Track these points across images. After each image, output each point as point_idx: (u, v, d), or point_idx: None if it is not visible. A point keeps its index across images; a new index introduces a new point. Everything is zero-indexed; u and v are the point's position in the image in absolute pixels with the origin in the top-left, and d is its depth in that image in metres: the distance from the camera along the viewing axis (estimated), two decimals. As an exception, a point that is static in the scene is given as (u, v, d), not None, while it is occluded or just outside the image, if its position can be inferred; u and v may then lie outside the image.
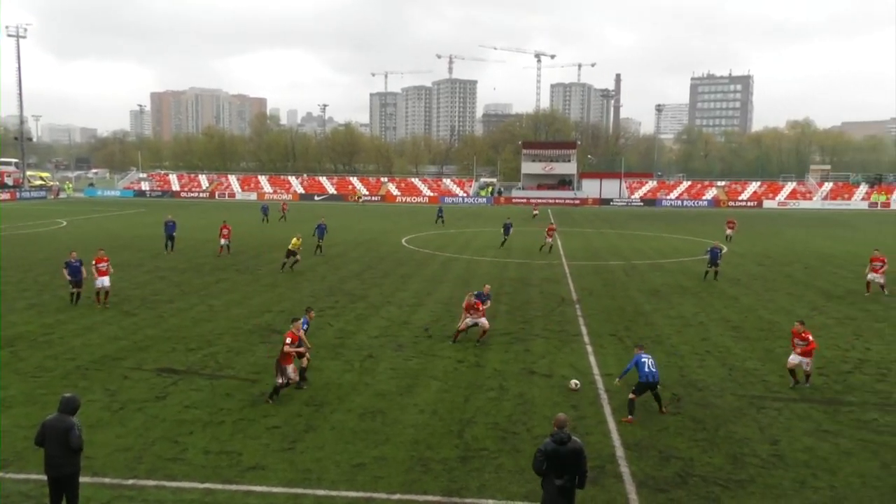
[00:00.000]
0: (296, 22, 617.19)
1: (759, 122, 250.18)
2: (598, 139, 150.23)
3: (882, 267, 27.08)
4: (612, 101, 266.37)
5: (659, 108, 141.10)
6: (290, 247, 32.61)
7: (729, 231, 48.15)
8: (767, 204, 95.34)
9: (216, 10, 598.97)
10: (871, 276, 27.36)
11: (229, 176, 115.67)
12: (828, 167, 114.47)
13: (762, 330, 21.77)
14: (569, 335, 20.93)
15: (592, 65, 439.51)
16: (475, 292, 20.72)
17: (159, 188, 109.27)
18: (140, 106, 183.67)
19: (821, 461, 12.08)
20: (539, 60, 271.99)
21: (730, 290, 28.82)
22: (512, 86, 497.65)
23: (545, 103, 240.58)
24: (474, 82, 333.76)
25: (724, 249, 32.52)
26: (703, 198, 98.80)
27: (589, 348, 19.45)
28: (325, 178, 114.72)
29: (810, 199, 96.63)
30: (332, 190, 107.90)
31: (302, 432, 13.09)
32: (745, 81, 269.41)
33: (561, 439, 8.92)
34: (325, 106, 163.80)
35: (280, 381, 14.50)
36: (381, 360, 18.07)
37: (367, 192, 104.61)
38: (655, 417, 14.11)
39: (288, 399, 14.85)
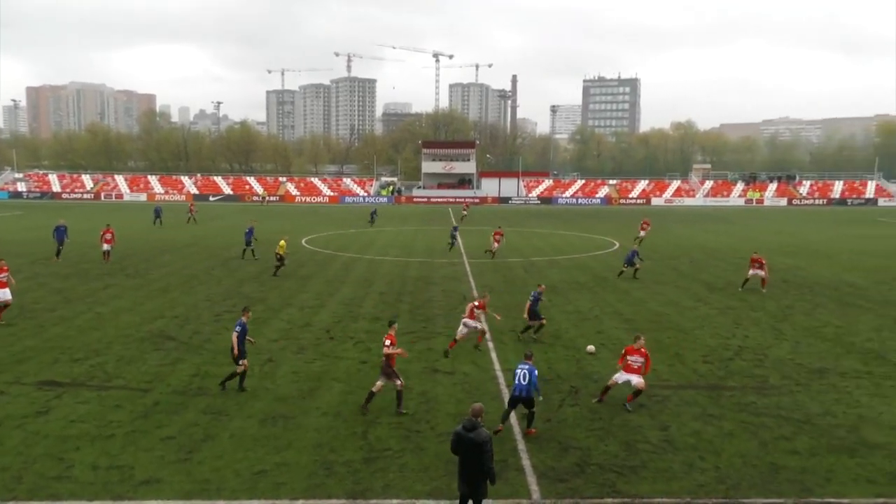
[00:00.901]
0: (180, 15, 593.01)
1: (646, 124, 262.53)
2: (496, 139, 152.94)
3: (761, 267, 28.45)
4: (509, 102, 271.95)
5: (554, 109, 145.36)
6: (277, 251, 31.78)
7: (642, 232, 47.50)
8: (655, 201, 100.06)
9: (94, 0, 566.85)
10: (752, 272, 28.54)
11: (116, 176, 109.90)
12: (708, 166, 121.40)
13: (652, 322, 22.81)
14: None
15: (489, 65, 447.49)
16: (533, 293, 20.68)
17: (38, 189, 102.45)
18: (14, 101, 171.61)
19: (707, 444, 12.80)
20: (437, 60, 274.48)
21: (622, 284, 30.04)
22: (411, 85, 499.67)
23: (444, 103, 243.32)
24: (373, 81, 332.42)
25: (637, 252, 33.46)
26: (597, 196, 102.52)
27: (490, 345, 19.76)
28: (220, 177, 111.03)
29: (694, 196, 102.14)
30: (227, 190, 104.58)
31: (199, 442, 12.62)
32: (633, 84, 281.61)
33: (468, 426, 9.30)
34: (219, 103, 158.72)
35: (399, 383, 14.29)
36: (282, 363, 17.69)
37: (265, 192, 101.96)
38: (554, 410, 14.51)
39: (182, 408, 14.28)
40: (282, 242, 32.34)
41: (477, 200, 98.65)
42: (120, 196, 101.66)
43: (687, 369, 17.51)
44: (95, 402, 14.58)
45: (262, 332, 20.75)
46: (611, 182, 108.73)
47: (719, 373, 17.20)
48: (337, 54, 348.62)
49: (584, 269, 34.65)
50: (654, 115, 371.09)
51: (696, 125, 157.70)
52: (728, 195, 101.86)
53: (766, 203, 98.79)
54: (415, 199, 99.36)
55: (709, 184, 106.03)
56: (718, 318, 23.32)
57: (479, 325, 19.30)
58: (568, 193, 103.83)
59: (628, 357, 14.71)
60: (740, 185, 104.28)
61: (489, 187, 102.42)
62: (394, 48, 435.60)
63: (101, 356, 18.06)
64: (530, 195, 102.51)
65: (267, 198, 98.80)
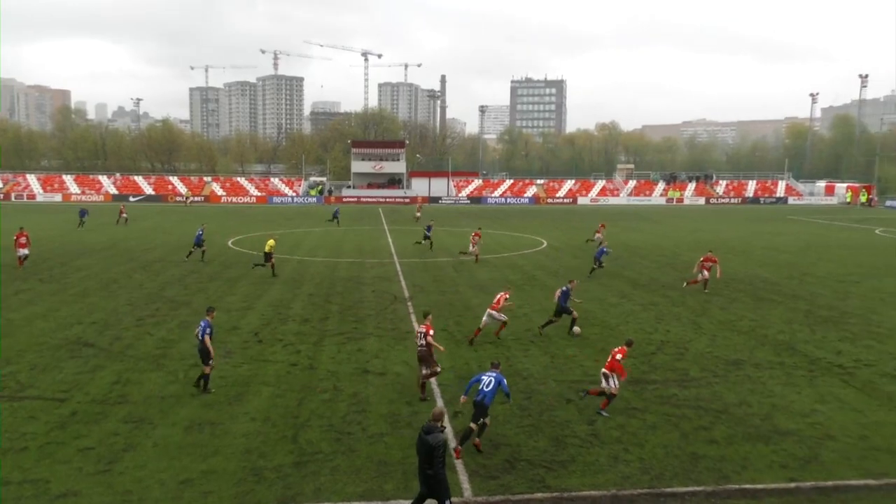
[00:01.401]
0: (94, 9, 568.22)
1: (572, 125, 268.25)
2: (425, 139, 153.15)
3: (711, 266, 28.55)
4: (439, 102, 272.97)
5: (482, 110, 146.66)
6: (266, 249, 31.55)
7: (598, 235, 45.17)
8: (581, 200, 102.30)
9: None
10: (702, 273, 28.38)
11: (28, 175, 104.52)
12: (632, 166, 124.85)
13: (579, 319, 23.27)
14: (402, 333, 21.17)
15: (419, 65, 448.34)
16: (563, 288, 21.26)
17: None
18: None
19: (631, 436, 13.19)
20: (366, 59, 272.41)
21: (549, 282, 30.58)
22: (340, 84, 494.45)
23: (373, 102, 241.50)
24: (301, 79, 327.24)
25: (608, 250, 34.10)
26: (525, 195, 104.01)
27: (421, 344, 19.77)
28: (140, 177, 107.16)
29: (618, 195, 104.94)
30: (149, 190, 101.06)
31: (120, 452, 12.17)
32: (559, 86, 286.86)
33: (426, 428, 9.58)
34: (138, 100, 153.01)
35: (438, 369, 15.55)
36: (208, 368, 17.21)
37: (188, 192, 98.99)
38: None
39: (102, 417, 13.74)
40: (270, 241, 32.29)
41: (408, 200, 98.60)
42: (32, 196, 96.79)
43: (612, 364, 17.96)
44: (7, 414, 13.86)
45: (187, 336, 20.15)
46: (539, 182, 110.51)
47: (643, 367, 17.74)
48: (263, 52, 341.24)
49: (514, 267, 35.11)
50: (580, 117, 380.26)
51: (620, 126, 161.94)
52: (650, 194, 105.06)
53: (686, 202, 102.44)
54: (344, 199, 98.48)
55: (632, 183, 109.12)
56: (642, 314, 24.04)
57: (503, 317, 20.21)
58: (497, 193, 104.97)
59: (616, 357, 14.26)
60: (662, 185, 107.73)
61: (419, 187, 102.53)
62: (321, 46, 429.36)
63: (13, 365, 17.17)
64: (460, 195, 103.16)
65: (191, 198, 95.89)
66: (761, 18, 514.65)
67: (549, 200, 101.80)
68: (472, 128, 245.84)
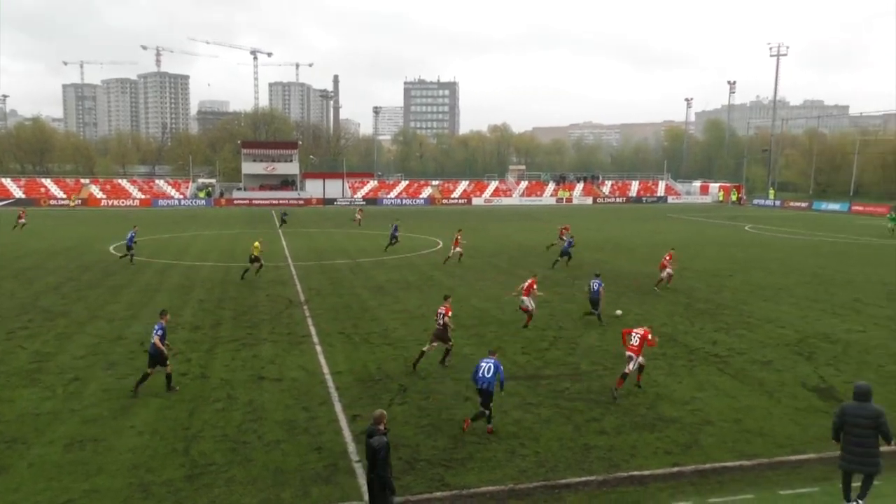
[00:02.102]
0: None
1: (465, 126, 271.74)
2: (319, 139, 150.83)
3: (671, 264, 29.52)
4: (332, 102, 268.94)
5: (376, 111, 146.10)
6: (252, 252, 31.44)
7: (563, 237, 44.33)
8: (476, 201, 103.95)
9: None
10: (667, 271, 29.41)
11: None
12: (523, 167, 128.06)
13: (475, 317, 23.69)
14: (298, 337, 20.79)
15: (310, 65, 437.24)
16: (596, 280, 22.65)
17: None
18: None
19: (527, 431, 13.54)
20: (255, 58, 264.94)
21: (447, 281, 30.91)
22: (228, 83, 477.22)
23: (264, 102, 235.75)
24: (186, 77, 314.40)
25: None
26: (421, 196, 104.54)
27: (318, 348, 19.51)
28: (9, 179, 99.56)
29: (511, 196, 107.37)
30: (19, 193, 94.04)
31: (-9, 476, 11.27)
32: (452, 88, 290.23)
33: (369, 431, 9.68)
34: (4, 97, 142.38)
35: (450, 343, 17.75)
36: (90, 382, 16.27)
37: (75, 196, 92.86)
38: (385, 409, 14.60)
39: (-30, 439, 12.68)
40: (256, 244, 32.16)
41: (302, 202, 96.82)
42: None
43: (508, 361, 18.35)
44: None
45: (65, 348, 18.95)
46: (434, 183, 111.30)
47: (537, 363, 18.25)
48: (144, 47, 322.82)
49: (411, 268, 35.23)
50: (473, 119, 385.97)
51: (511, 128, 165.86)
52: (541, 195, 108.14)
53: (575, 202, 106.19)
54: (235, 202, 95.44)
55: (524, 184, 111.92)
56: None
57: (531, 306, 21.95)
58: (393, 194, 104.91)
59: (631, 337, 15.68)
60: (552, 185, 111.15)
61: (313, 188, 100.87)
62: (207, 43, 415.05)
63: None
64: (355, 196, 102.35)
65: (76, 200, 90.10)
66: (637, 26, 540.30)
67: (445, 201, 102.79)
68: (366, 129, 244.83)
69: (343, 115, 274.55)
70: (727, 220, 69.94)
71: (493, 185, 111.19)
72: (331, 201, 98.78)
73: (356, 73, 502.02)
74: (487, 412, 13.34)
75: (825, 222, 66.09)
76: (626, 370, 15.60)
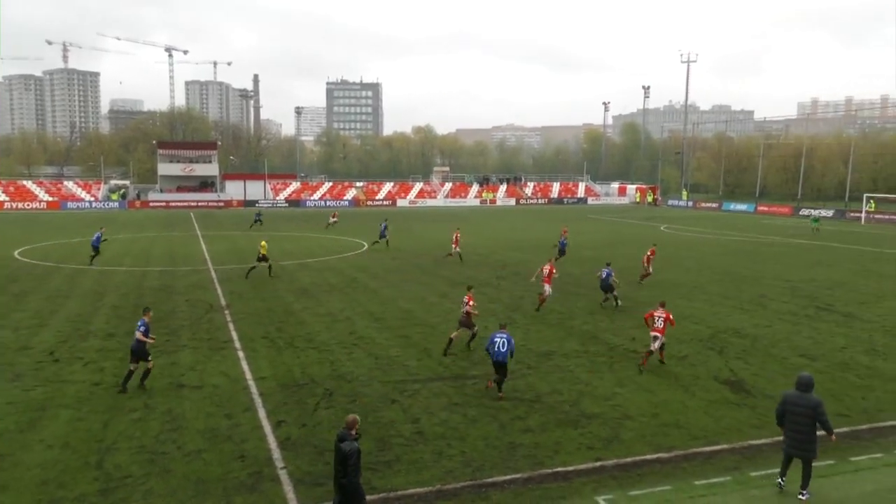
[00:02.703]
0: None
1: (389, 127, 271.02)
2: (239, 140, 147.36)
3: (650, 259, 31.86)
4: (252, 102, 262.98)
5: (298, 111, 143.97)
6: (261, 252, 32.25)
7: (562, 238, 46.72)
8: (400, 203, 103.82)
9: None
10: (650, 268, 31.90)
11: None
12: (447, 168, 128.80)
13: (401, 319, 23.66)
14: (219, 342, 20.23)
15: (229, 63, 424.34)
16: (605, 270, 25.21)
17: None
18: None
19: (454, 431, 13.61)
20: (171, 55, 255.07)
21: (371, 283, 30.73)
22: (142, 81, 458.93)
23: (181, 101, 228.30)
24: (96, 74, 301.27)
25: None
26: (345, 198, 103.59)
27: (241, 354, 19.05)
28: None
29: (435, 197, 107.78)
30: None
31: None
32: (375, 89, 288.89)
33: (340, 436, 9.50)
34: None
35: (476, 328, 19.75)
36: (-7, 395, 15.34)
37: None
38: (309, 414, 14.42)
39: None
40: (263, 243, 33.09)
41: (222, 204, 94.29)
42: None
43: (434, 362, 18.44)
44: None
45: (-36, 360, 17.82)
46: (358, 184, 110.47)
47: (463, 363, 18.38)
48: (50, 42, 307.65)
49: (334, 270, 34.85)
50: (397, 120, 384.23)
51: (435, 130, 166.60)
52: (466, 196, 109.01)
53: (499, 203, 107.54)
54: (151, 204, 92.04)
55: (448, 185, 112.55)
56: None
57: (549, 291, 24.73)
58: (316, 196, 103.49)
59: (655, 320, 17.77)
60: (476, 187, 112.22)
61: (234, 190, 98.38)
62: (118, 39, 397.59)
63: None
64: (278, 198, 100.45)
65: None
66: (551, 31, 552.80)
67: (369, 203, 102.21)
68: (288, 129, 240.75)
69: (264, 115, 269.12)
70: (644, 221, 72.30)
71: (418, 186, 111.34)
72: (252, 203, 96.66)
73: (277, 72, 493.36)
74: (503, 379, 15.50)
75: (734, 222, 69.24)
76: (652, 348, 17.76)
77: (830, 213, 77.44)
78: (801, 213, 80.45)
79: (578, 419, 14.27)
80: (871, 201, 70.46)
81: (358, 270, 34.83)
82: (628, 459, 12.37)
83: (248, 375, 17.10)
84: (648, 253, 32.27)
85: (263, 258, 32.09)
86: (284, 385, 16.32)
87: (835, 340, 20.87)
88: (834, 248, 46.61)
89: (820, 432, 10.91)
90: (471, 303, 19.50)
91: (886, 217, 68.94)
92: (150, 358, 16.05)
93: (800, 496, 10.87)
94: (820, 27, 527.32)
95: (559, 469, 11.95)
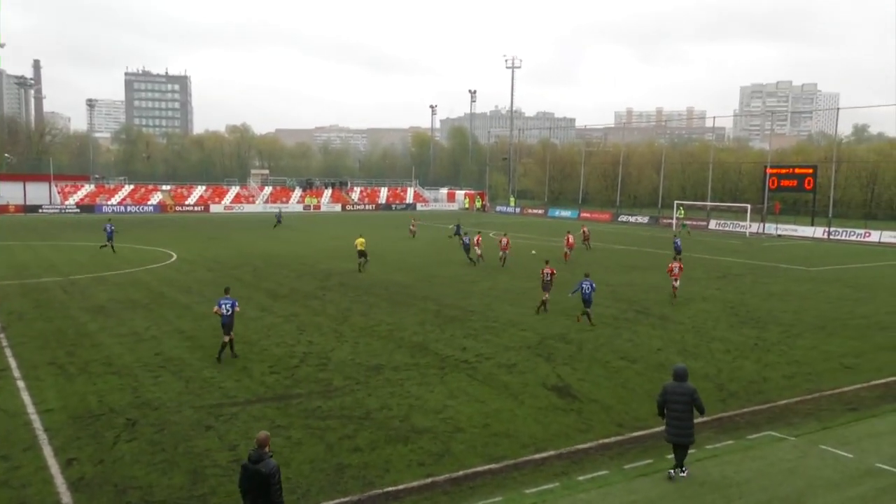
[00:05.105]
0: None
1: (200, 126, 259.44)
2: (17, 135, 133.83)
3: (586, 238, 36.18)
4: (32, 92, 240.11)
5: (91, 104, 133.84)
6: (358, 247, 37.69)
7: (585, 241, 50.56)
8: (215, 208, 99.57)
9: None
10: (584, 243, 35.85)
11: None
12: (267, 171, 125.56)
13: (216, 337, 22.56)
14: (-7, 372, 18.21)
15: (1, 45, 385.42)
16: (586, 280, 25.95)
17: None
18: None
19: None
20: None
21: (182, 298, 29.20)
22: None
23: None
24: None
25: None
26: (149, 203, 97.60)
27: (21, 383, 17.29)
28: None
29: (254, 202, 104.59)
30: None
31: None
32: (183, 82, 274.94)
33: (253, 457, 9.16)
34: None
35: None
36: None
37: None
38: (108, 449, 13.38)
39: None
40: (361, 240, 38.88)
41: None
42: None
43: (255, 382, 17.87)
44: None
45: None
46: (164, 188, 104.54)
47: (286, 382, 17.97)
48: None
49: (138, 285, 32.68)
50: (209, 118, 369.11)
51: (253, 129, 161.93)
52: (287, 201, 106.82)
53: (324, 209, 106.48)
54: None
55: (268, 189, 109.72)
56: (284, 326, 24.33)
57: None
58: (115, 200, 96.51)
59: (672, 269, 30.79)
60: (298, 191, 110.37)
61: (11, 193, 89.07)
62: None
63: None
64: (67, 202, 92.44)
65: None
66: (374, 32, 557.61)
67: (178, 208, 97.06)
68: (78, 124, 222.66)
69: (48, 107, 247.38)
70: (473, 227, 74.87)
71: (234, 190, 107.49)
72: (35, 208, 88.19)
73: (63, 59, 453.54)
74: (590, 311, 24.78)
75: (559, 228, 73.70)
76: (675, 287, 31.09)
77: (646, 219, 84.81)
78: (619, 219, 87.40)
79: (409, 435, 14.45)
80: (681, 208, 78.04)
81: (166, 284, 32.94)
82: (460, 473, 12.71)
83: (31, 408, 15.55)
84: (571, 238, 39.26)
85: (362, 253, 37.70)
86: (77, 417, 15.02)
87: (651, 343, 22.85)
88: (648, 252, 51.08)
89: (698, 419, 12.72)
90: (553, 273, 27.54)
91: (693, 223, 76.66)
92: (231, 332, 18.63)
93: (681, 474, 12.40)
94: (618, 41, 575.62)
95: (390, 489, 12.02)
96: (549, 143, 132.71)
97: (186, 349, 21.01)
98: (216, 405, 16.04)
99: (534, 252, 41.87)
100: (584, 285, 24.98)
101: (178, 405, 16.00)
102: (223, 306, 19.71)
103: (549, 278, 27.77)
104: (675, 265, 31.70)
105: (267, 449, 9.42)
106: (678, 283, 31.53)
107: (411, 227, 63.19)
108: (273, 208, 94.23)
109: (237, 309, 20.13)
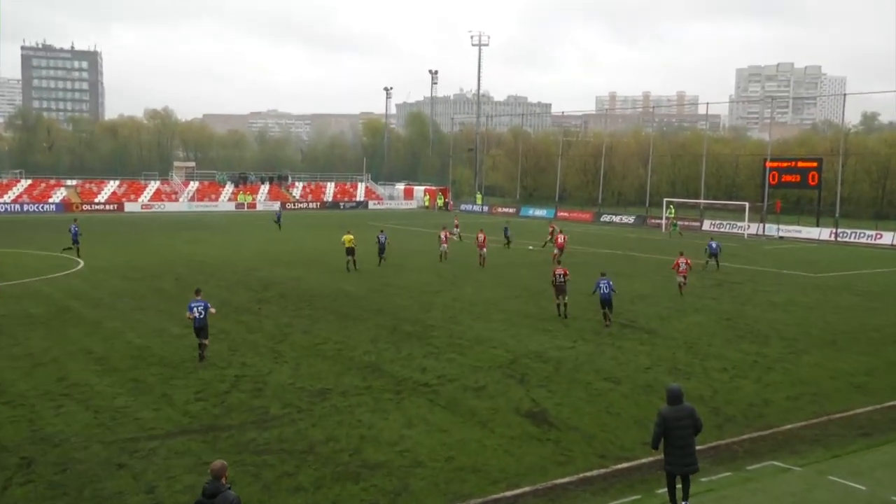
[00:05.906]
0: None
1: (113, 110, 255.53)
2: None
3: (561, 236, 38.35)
4: None
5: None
6: (347, 244, 40.94)
7: (561, 237, 48.91)
8: (130, 207, 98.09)
9: None
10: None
11: None
12: (193, 164, 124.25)
13: (133, 358, 22.30)
14: None
15: None
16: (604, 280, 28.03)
17: None
18: None
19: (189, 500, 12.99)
20: None
21: (90, 314, 28.67)
22: None
23: None
24: None
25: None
26: (51, 200, 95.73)
27: None
28: None
29: (177, 200, 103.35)
30: None
31: None
32: (92, 59, 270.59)
33: (209, 491, 9.16)
34: None
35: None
36: None
37: None
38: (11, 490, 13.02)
39: None
40: (350, 237, 42.00)
41: None
42: None
43: (177, 412, 17.59)
44: None
45: None
46: (70, 182, 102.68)
47: (215, 410, 17.71)
48: None
49: (37, 297, 32.03)
50: (124, 101, 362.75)
51: (176, 115, 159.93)
52: (217, 199, 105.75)
53: (260, 207, 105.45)
54: None
55: (194, 185, 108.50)
56: (212, 346, 23.90)
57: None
58: (8, 198, 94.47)
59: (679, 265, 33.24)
60: (230, 188, 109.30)
61: None
62: None
63: None
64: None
65: None
66: (314, 2, 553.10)
67: (86, 206, 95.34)
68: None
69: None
70: (434, 229, 74.97)
71: (154, 186, 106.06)
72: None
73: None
74: (611, 312, 27.13)
75: (533, 229, 74.12)
76: (682, 283, 33.63)
77: (632, 219, 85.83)
78: (602, 219, 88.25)
79: (360, 471, 14.33)
80: (671, 207, 79.06)
81: (72, 297, 32.33)
82: (420, 515, 12.63)
83: None
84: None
85: (351, 250, 40.96)
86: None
87: (639, 360, 23.07)
88: (636, 257, 51.66)
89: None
90: (567, 274, 28.93)
91: (684, 223, 77.71)
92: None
93: None
94: (599, 18, 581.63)
95: (337, 535, 11.88)
96: (522, 132, 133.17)
97: (95, 373, 20.59)
98: (130, 439, 15.73)
99: (531, 248, 44.21)
100: (601, 284, 27.08)
101: (85, 440, 15.65)
102: (195, 309, 21.21)
103: (562, 280, 28.75)
104: (682, 260, 33.52)
105: (224, 480, 9.28)
106: (686, 280, 33.90)
107: (451, 234, 53.06)
108: (272, 207, 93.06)
109: (212, 311, 21.72)
